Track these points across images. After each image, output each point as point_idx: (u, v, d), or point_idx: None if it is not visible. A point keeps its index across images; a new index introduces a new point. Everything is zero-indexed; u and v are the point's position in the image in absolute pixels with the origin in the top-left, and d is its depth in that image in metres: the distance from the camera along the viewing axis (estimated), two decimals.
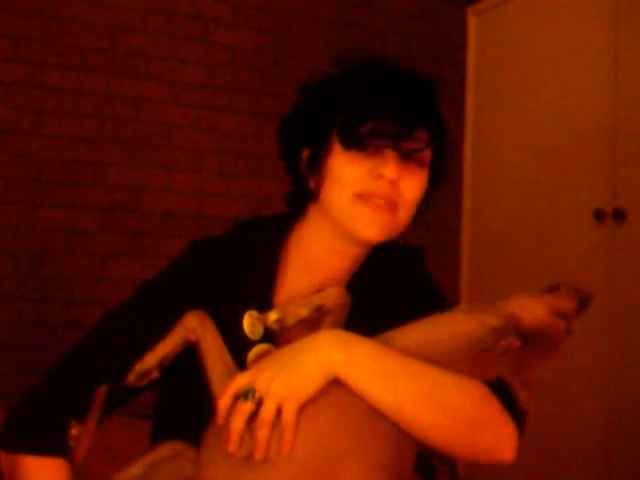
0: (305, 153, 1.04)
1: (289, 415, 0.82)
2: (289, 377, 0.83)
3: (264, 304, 1.00)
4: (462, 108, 3.22)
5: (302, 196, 1.06)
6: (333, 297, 0.98)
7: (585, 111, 2.63)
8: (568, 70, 2.73)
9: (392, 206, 0.99)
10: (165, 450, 0.92)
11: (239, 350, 0.96)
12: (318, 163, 1.01)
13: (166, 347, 0.93)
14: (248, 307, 1.00)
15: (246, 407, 0.83)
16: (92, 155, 2.65)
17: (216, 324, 0.95)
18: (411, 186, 1.00)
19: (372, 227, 0.98)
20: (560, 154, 2.73)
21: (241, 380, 0.85)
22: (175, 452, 0.92)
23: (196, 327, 0.93)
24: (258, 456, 0.82)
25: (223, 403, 0.85)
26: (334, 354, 0.85)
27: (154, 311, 1.01)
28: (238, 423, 0.83)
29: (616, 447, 2.39)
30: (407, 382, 0.85)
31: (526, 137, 2.91)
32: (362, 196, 0.98)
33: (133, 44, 2.72)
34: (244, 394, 0.84)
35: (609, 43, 2.55)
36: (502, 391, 0.91)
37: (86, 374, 0.98)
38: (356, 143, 0.98)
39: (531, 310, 0.95)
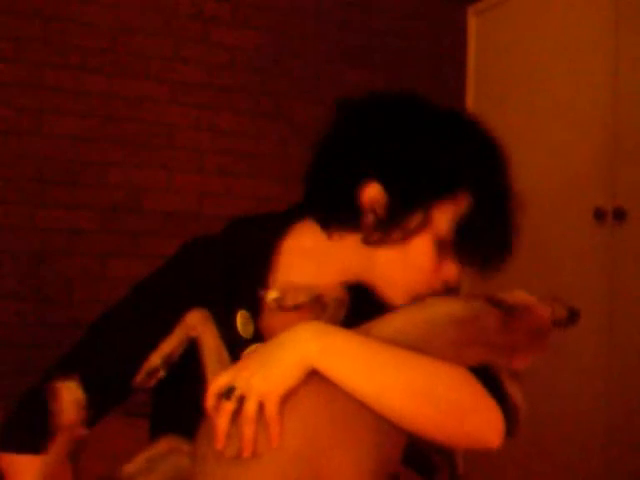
0: (376, 189, 0.95)
1: (271, 409, 0.82)
2: (268, 372, 0.83)
3: (258, 303, 1.00)
4: (462, 108, 3.23)
5: (352, 218, 0.98)
6: (333, 292, 0.98)
7: (585, 111, 2.63)
8: (568, 70, 2.73)
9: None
10: (162, 446, 0.93)
11: (235, 348, 0.96)
12: (401, 220, 0.95)
13: (170, 345, 0.94)
14: (241, 306, 1.00)
15: (228, 406, 0.84)
16: (92, 155, 2.65)
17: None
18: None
19: (405, 299, 0.99)
20: (560, 153, 2.73)
21: (223, 379, 0.86)
22: (172, 447, 0.92)
23: (197, 324, 0.94)
24: (246, 453, 0.82)
25: (208, 403, 0.86)
26: (310, 346, 0.85)
27: (148, 311, 1.01)
28: (222, 422, 0.84)
29: (616, 447, 2.39)
30: (385, 371, 0.85)
31: (526, 137, 2.91)
32: (414, 289, 0.98)
33: (133, 44, 2.72)
34: (225, 393, 0.84)
35: (609, 42, 2.55)
36: (488, 379, 0.91)
37: (81, 374, 0.97)
38: (467, 254, 0.99)
39: (517, 294, 0.97)
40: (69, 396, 0.91)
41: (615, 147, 2.50)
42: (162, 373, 0.93)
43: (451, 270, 1.00)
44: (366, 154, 0.97)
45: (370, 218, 0.96)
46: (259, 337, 0.99)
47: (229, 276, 1.02)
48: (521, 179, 3.29)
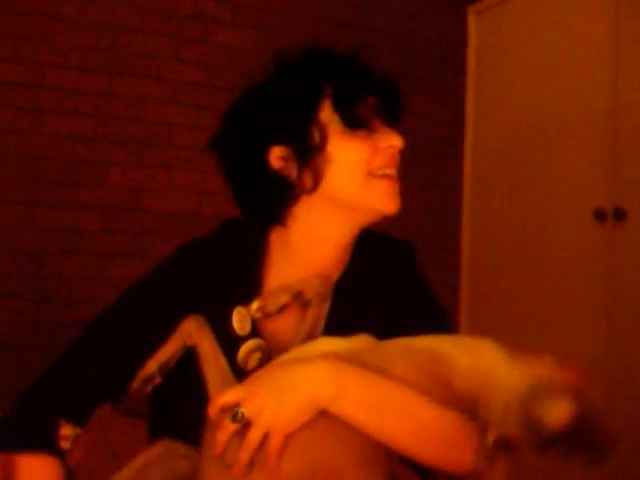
0: (278, 151, 1.00)
1: (275, 444, 0.84)
2: (279, 409, 0.84)
3: (251, 301, 1.01)
4: (462, 108, 3.23)
5: (283, 195, 1.02)
6: (312, 285, 0.99)
7: (585, 111, 2.63)
8: (568, 70, 2.73)
9: (398, 175, 1.03)
10: (157, 449, 0.93)
11: (230, 347, 0.97)
12: (310, 155, 0.98)
13: (167, 352, 0.95)
14: (236, 305, 1.01)
15: (232, 427, 0.85)
16: (92, 155, 2.65)
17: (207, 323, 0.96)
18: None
19: (393, 200, 1.01)
20: (560, 154, 2.73)
21: (230, 396, 0.86)
22: (168, 450, 0.93)
23: (193, 332, 0.94)
24: (236, 471, 0.84)
25: (211, 413, 0.87)
26: (325, 390, 0.86)
27: (142, 314, 1.02)
28: (223, 437, 0.85)
29: (618, 447, 2.38)
30: (395, 415, 0.87)
31: (526, 136, 2.91)
32: (375, 172, 1.00)
33: (134, 44, 2.72)
34: (233, 415, 0.85)
35: (609, 42, 2.55)
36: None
37: (74, 376, 0.99)
38: (361, 122, 0.99)
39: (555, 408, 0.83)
40: (69, 431, 0.93)
41: (615, 147, 2.50)
42: (158, 380, 0.95)
43: (383, 135, 1.01)
44: (266, 126, 1.01)
45: (291, 172, 1.00)
46: (257, 333, 1.00)
47: (222, 276, 1.03)
48: (521, 178, 3.31)
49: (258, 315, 0.98)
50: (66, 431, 0.94)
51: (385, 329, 0.98)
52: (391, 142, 1.00)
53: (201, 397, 0.90)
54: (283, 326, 1.01)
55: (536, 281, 2.79)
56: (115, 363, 0.99)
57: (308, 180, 0.99)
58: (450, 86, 3.21)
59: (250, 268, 1.04)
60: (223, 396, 0.86)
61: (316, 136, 0.98)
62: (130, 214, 2.69)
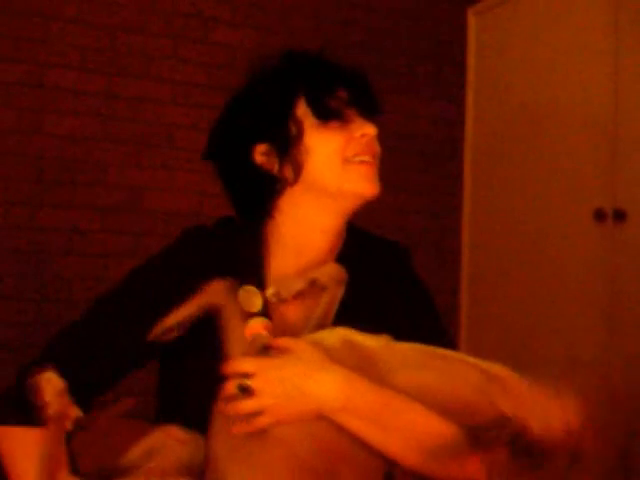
0: (261, 148, 1.08)
1: (264, 423, 0.89)
2: (283, 406, 0.89)
3: (262, 280, 1.07)
4: (462, 108, 3.22)
5: (269, 189, 1.09)
6: (329, 272, 1.02)
7: (585, 111, 2.63)
8: (568, 70, 2.73)
9: (377, 160, 1.09)
10: (159, 435, 0.94)
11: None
12: (288, 149, 1.06)
13: (189, 309, 0.96)
14: (244, 283, 1.04)
15: (243, 407, 0.89)
16: (92, 155, 2.65)
17: None
18: (377, 140, 1.10)
19: (371, 183, 1.07)
20: (560, 154, 2.73)
21: (248, 366, 0.91)
22: (167, 436, 0.94)
23: (223, 292, 0.97)
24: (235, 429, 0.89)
25: (226, 371, 0.91)
26: (332, 401, 0.89)
27: (145, 295, 1.05)
28: (234, 411, 0.90)
29: None
30: (397, 432, 0.90)
31: (526, 137, 2.91)
32: (351, 159, 1.06)
33: (133, 44, 2.72)
34: (242, 388, 0.89)
35: (609, 42, 2.55)
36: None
37: (71, 353, 1.02)
38: (332, 114, 1.05)
39: (549, 417, 0.85)
40: (50, 388, 0.93)
41: (615, 147, 2.50)
42: (176, 333, 0.97)
43: (357, 124, 1.07)
44: (247, 125, 1.09)
45: (273, 166, 1.07)
46: (266, 314, 1.03)
47: (225, 264, 1.06)
48: (521, 179, 3.31)
49: (273, 300, 1.02)
50: (70, 412, 0.94)
51: (385, 325, 0.99)
52: (364, 130, 1.06)
53: (208, 382, 0.92)
54: (293, 310, 1.05)
55: (536, 282, 2.79)
56: (113, 343, 1.02)
57: (289, 172, 1.07)
58: (450, 86, 3.21)
59: (250, 259, 1.08)
60: (242, 362, 0.91)
61: (293, 130, 1.06)
62: (130, 214, 2.70)
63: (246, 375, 0.89)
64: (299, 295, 1.02)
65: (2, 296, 2.52)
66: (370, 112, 1.10)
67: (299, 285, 1.01)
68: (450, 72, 3.21)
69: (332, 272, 1.02)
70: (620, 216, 2.43)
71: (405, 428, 0.90)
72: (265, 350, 0.94)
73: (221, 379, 0.91)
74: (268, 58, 1.11)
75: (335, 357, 0.91)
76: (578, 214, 2.59)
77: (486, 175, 3.13)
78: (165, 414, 1.06)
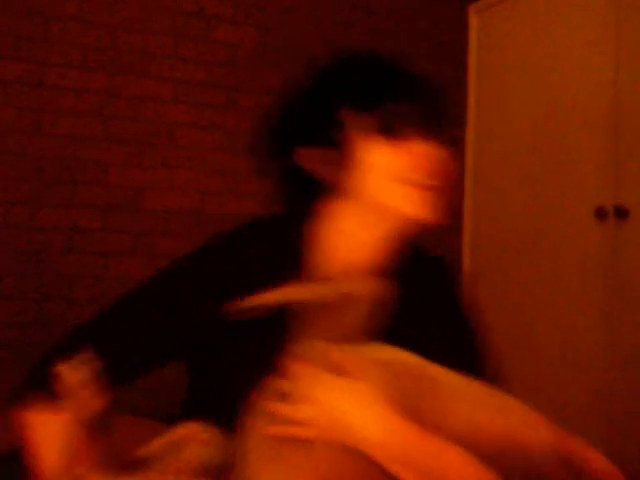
0: (309, 153, 1.01)
1: (296, 434, 0.88)
2: (330, 430, 0.88)
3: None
4: (463, 108, 3.22)
5: (313, 195, 1.04)
6: (363, 286, 0.98)
7: (586, 109, 2.63)
8: (569, 68, 2.73)
9: (441, 183, 1.00)
10: (181, 432, 0.93)
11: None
12: (339, 157, 0.99)
13: (275, 296, 0.95)
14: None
15: (287, 412, 0.88)
16: (93, 154, 2.65)
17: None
18: (449, 164, 1.02)
19: (419, 207, 0.99)
20: (561, 152, 2.73)
21: (300, 371, 0.90)
22: (191, 434, 0.93)
23: (304, 295, 0.95)
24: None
25: (288, 365, 0.90)
26: (371, 438, 0.88)
27: (196, 280, 1.02)
28: (278, 413, 0.89)
29: (616, 446, 2.39)
30: (430, 476, 0.88)
31: (527, 136, 2.91)
32: (404, 178, 0.99)
33: (134, 42, 2.72)
34: (283, 393, 0.88)
35: (610, 41, 2.55)
36: None
37: (111, 334, 1.00)
38: (392, 129, 0.98)
39: None
40: (72, 378, 0.92)
41: (617, 145, 2.50)
42: (261, 313, 0.95)
43: (418, 143, 0.99)
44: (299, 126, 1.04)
45: (322, 173, 1.01)
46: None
47: (262, 264, 1.03)
48: (522, 178, 3.31)
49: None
50: (93, 404, 0.94)
51: (425, 346, 0.97)
52: (424, 150, 0.98)
53: (249, 377, 0.91)
54: (319, 317, 1.02)
55: (537, 280, 2.79)
56: (141, 335, 1.00)
57: (335, 179, 1.01)
58: (451, 85, 3.21)
59: (289, 261, 1.05)
60: (297, 365, 0.90)
61: (345, 139, 0.99)
62: (131, 213, 2.69)
63: (300, 381, 0.89)
64: (325, 306, 0.98)
65: (2, 296, 2.51)
66: (439, 131, 1.02)
67: (327, 293, 0.97)
68: (450, 72, 3.21)
69: (366, 288, 0.97)
70: (621, 214, 2.43)
71: (440, 474, 0.88)
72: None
73: (262, 376, 0.90)
74: (327, 58, 1.06)
75: (390, 380, 0.90)
76: (579, 212, 2.59)
77: (487, 174, 3.13)
78: (194, 409, 1.03)
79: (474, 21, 3.23)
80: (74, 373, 0.92)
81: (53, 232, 2.59)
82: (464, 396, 0.91)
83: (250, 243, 1.06)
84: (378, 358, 0.92)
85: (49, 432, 0.93)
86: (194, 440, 0.92)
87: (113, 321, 1.02)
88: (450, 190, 1.02)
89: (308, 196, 1.05)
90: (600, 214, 2.49)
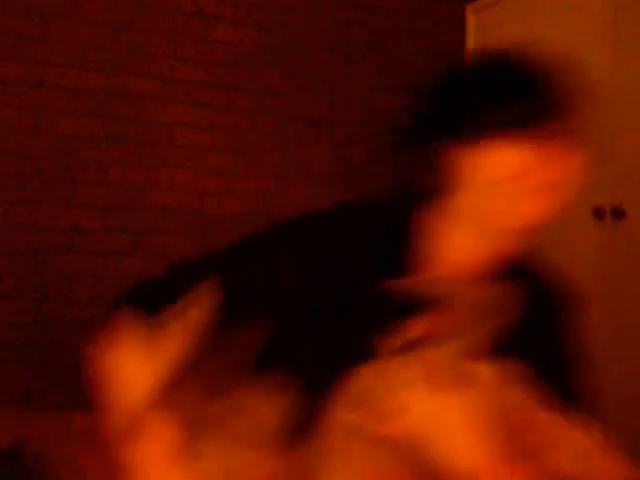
0: (442, 148, 0.98)
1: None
2: (420, 441, 0.87)
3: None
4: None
5: (435, 188, 1.00)
6: (470, 293, 0.95)
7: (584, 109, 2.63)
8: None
9: (559, 188, 1.00)
10: (249, 392, 0.91)
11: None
12: (452, 159, 0.97)
13: (419, 285, 0.94)
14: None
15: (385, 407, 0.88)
16: (92, 153, 2.65)
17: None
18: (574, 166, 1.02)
19: (540, 213, 1.01)
20: None
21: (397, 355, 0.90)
22: (258, 395, 0.91)
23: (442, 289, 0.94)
24: None
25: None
26: (461, 465, 0.87)
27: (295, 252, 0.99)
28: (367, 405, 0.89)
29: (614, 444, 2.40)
30: None
31: None
32: (535, 186, 0.98)
33: (133, 42, 2.72)
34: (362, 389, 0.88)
35: (608, 40, 2.55)
36: None
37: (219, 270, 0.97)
38: (527, 129, 0.97)
39: None
40: (124, 398, 0.89)
41: (614, 146, 2.50)
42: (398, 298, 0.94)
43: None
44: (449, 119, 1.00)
45: (449, 169, 0.97)
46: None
47: (360, 248, 1.00)
48: None
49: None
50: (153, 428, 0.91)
51: (536, 363, 0.97)
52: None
53: (332, 357, 0.91)
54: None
55: None
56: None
57: (443, 180, 0.99)
58: None
59: (391, 253, 1.00)
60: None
61: (479, 139, 0.97)
62: (130, 212, 2.70)
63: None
64: (430, 302, 0.95)
65: (2, 296, 2.52)
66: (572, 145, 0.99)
67: (433, 290, 0.95)
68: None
69: (473, 296, 0.96)
70: (619, 214, 2.44)
71: None
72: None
73: (356, 361, 0.89)
74: (475, 60, 1.04)
75: (499, 402, 0.89)
76: (577, 212, 2.59)
77: None
78: (273, 363, 1.00)
79: (472, 21, 3.23)
80: (195, 307, 0.90)
81: (53, 232, 2.59)
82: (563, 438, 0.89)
83: (352, 229, 1.01)
84: (491, 375, 0.90)
85: (136, 368, 0.92)
86: (261, 401, 0.90)
87: (228, 261, 0.98)
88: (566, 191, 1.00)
89: (430, 192, 1.01)
90: (597, 214, 2.50)
